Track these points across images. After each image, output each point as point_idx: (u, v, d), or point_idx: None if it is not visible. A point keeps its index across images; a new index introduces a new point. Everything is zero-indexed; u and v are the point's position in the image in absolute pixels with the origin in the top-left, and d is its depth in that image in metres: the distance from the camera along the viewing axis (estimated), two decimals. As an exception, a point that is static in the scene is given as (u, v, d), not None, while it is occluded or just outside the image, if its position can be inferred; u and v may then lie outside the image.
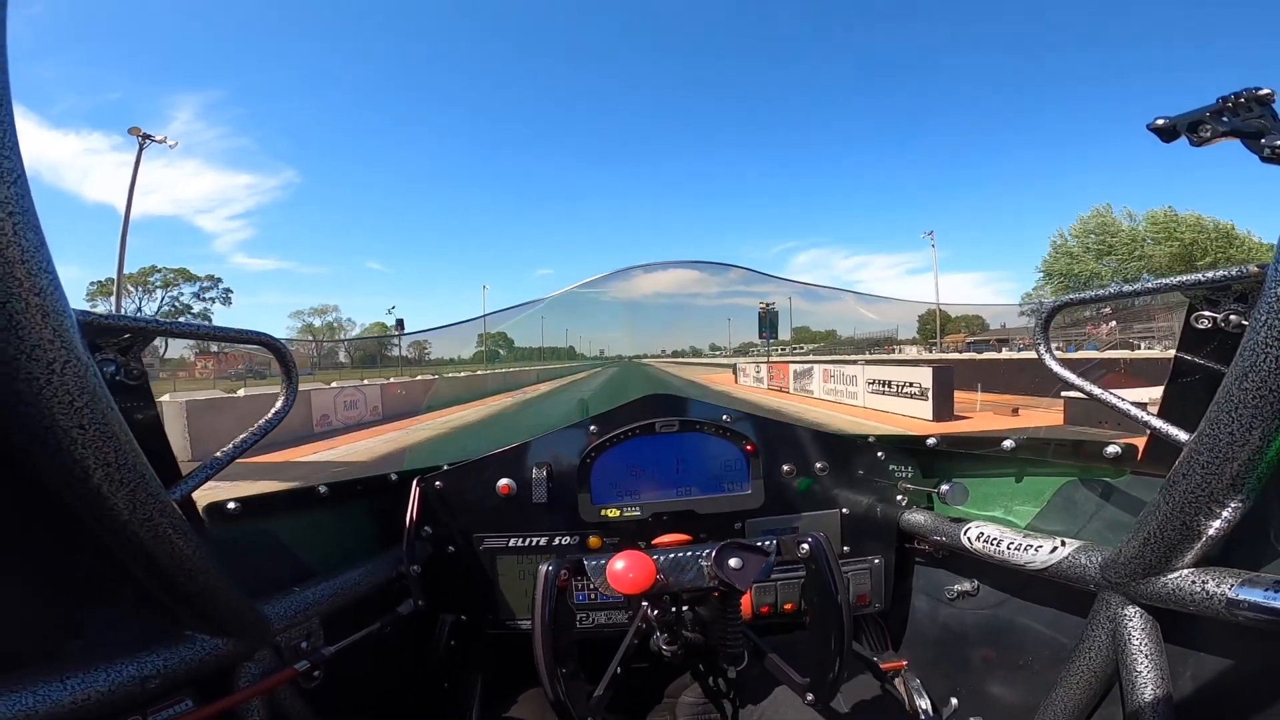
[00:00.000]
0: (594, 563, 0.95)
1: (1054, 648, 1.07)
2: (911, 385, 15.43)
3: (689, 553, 0.93)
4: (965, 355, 34.37)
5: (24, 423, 0.52)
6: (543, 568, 0.92)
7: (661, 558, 0.92)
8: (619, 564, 0.87)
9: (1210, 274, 0.84)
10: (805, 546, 0.83)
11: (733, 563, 0.86)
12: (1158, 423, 0.89)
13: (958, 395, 15.15)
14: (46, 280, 0.49)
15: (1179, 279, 0.88)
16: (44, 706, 0.62)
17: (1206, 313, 0.88)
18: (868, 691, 1.38)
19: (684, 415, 1.37)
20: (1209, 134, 0.73)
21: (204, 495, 0.95)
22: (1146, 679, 0.84)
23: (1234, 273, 0.82)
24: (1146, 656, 0.85)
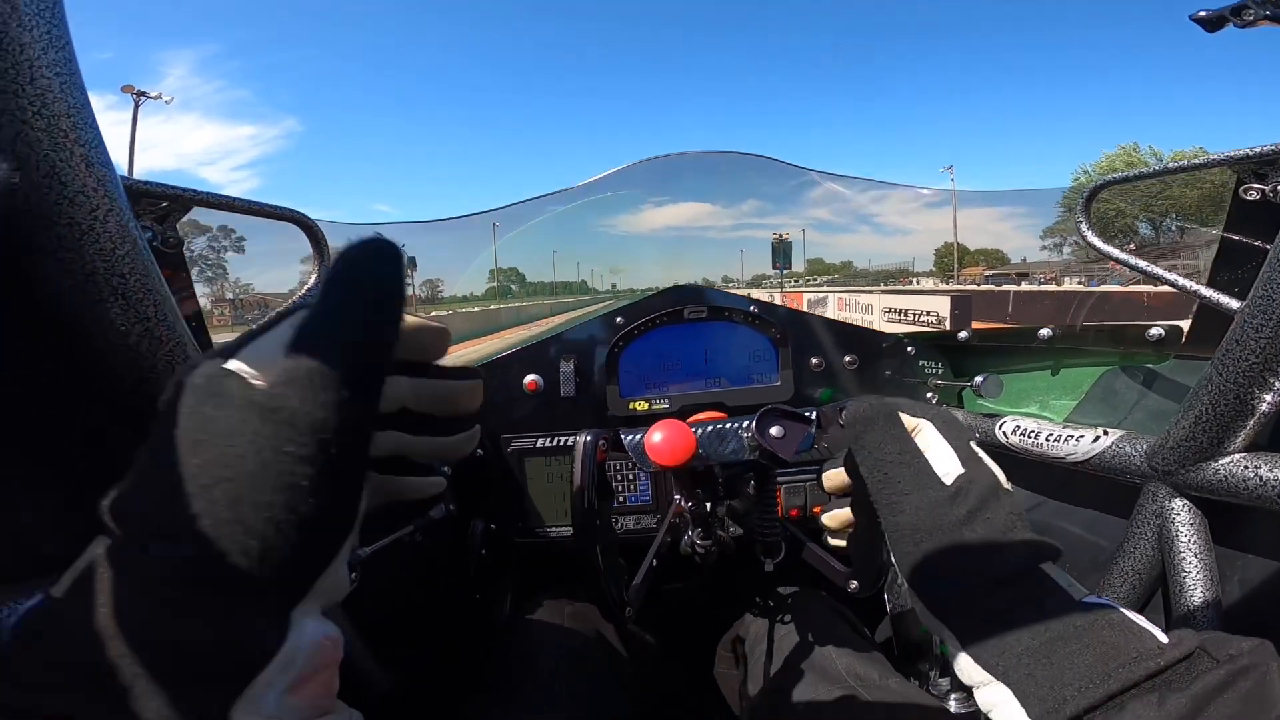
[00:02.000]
0: (630, 438, 0.93)
1: (1094, 551, 1.03)
2: (928, 314, 15.28)
3: (728, 424, 0.92)
4: (984, 287, 33.73)
5: (65, 270, 0.52)
6: (581, 438, 0.89)
7: (700, 430, 0.90)
8: (657, 435, 0.85)
9: (1258, 148, 0.82)
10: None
11: (774, 431, 0.83)
12: (1207, 291, 0.86)
13: (975, 326, 15.03)
14: (90, 135, 0.51)
15: (1226, 154, 0.86)
16: None
17: (1255, 185, 0.86)
18: None
19: (710, 304, 1.34)
20: (1253, 17, 0.72)
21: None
22: (1195, 581, 0.81)
23: None
24: (1196, 555, 0.82)
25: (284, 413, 0.31)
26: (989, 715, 0.49)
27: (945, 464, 0.61)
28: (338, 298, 0.34)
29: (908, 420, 0.68)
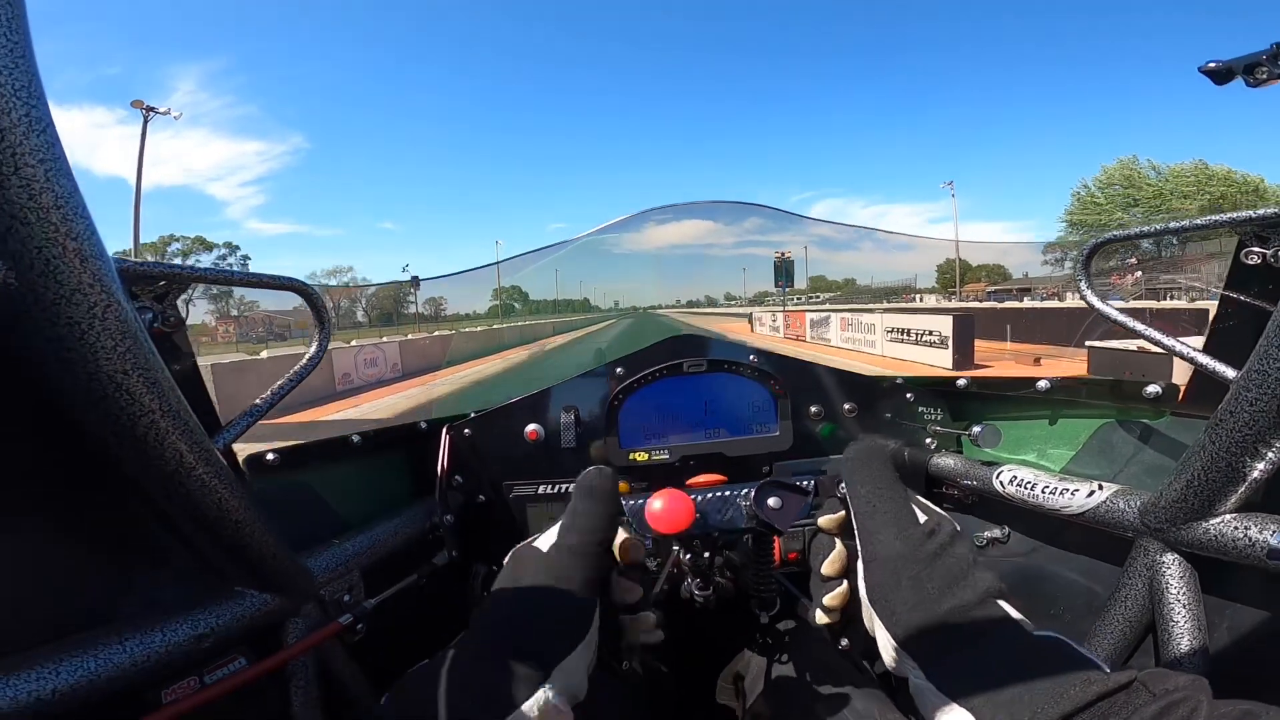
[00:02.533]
0: (631, 503, 0.94)
1: (1087, 597, 1.04)
2: (931, 333, 15.25)
3: (728, 492, 0.92)
4: (986, 304, 33.73)
5: (67, 369, 0.51)
6: None
7: (699, 497, 0.90)
8: (657, 503, 0.85)
9: (1261, 211, 0.82)
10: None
11: (771, 502, 0.84)
12: (1204, 358, 0.86)
13: (977, 344, 14.99)
14: (82, 225, 0.48)
15: (1228, 216, 0.85)
16: (105, 670, 0.62)
17: (1256, 249, 0.85)
18: None
19: (710, 356, 1.35)
20: (1265, 75, 0.73)
21: (242, 448, 0.95)
22: (1183, 630, 0.83)
23: None
24: (1184, 606, 0.83)
25: (568, 555, 0.69)
26: None
27: (917, 512, 0.70)
28: (579, 503, 0.74)
29: None
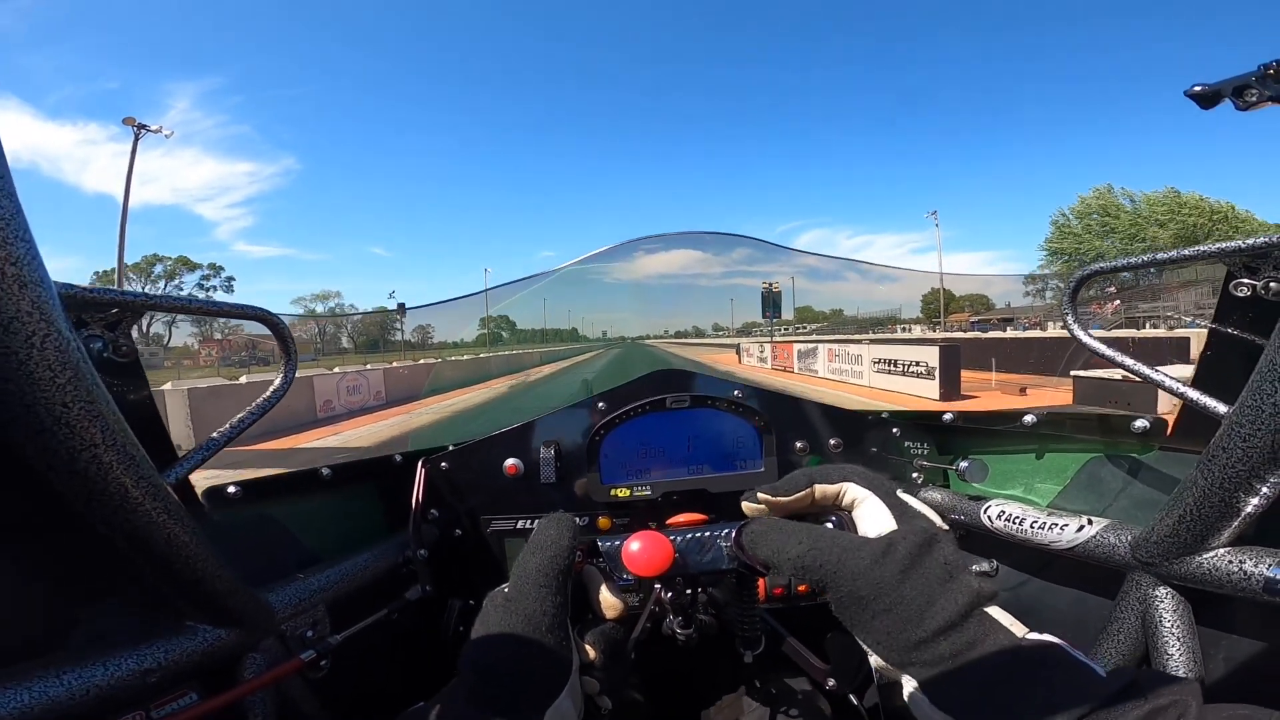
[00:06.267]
0: (608, 544, 0.91)
1: (1078, 631, 1.02)
2: (918, 364, 15.38)
3: (707, 533, 0.90)
4: (970, 334, 34.18)
5: (3, 400, 0.49)
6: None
7: (679, 538, 0.88)
8: (634, 545, 0.83)
9: (1250, 241, 0.81)
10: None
11: None
12: (1194, 394, 0.85)
13: (963, 374, 15.14)
14: (22, 249, 0.45)
15: (1217, 246, 0.84)
16: (39, 703, 0.60)
17: (1246, 280, 0.84)
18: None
19: (694, 390, 1.32)
20: (1255, 98, 0.71)
21: (203, 480, 0.92)
22: (1178, 663, 0.81)
23: (1275, 239, 0.78)
24: (1179, 639, 0.82)
25: (521, 604, 0.67)
26: None
27: (878, 521, 0.64)
28: (539, 543, 0.73)
29: (826, 489, 0.71)
